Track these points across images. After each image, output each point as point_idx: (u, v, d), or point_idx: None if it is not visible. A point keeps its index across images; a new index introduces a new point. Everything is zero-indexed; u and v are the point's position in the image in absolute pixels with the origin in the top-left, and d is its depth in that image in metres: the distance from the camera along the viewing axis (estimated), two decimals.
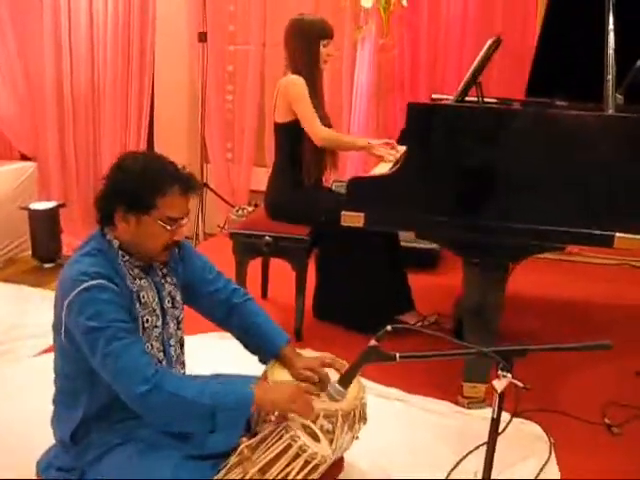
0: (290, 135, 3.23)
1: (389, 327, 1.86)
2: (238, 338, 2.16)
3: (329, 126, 3.27)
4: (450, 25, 4.35)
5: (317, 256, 3.44)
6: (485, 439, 2.37)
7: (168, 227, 1.86)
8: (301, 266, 3.14)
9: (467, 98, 3.31)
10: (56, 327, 1.92)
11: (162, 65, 4.78)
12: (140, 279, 1.93)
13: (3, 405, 2.60)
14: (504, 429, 1.96)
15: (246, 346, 2.16)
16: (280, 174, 3.32)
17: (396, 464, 2.32)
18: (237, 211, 4.69)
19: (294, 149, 3.23)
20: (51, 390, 2.06)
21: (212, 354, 2.83)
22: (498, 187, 2.38)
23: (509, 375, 1.84)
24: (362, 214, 2.47)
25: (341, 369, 2.04)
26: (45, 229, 4.25)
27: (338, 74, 4.47)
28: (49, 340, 3.16)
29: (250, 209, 4.73)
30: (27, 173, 4.51)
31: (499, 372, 1.84)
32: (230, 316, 2.14)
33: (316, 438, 1.85)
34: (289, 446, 1.79)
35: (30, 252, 4.32)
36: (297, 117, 3.19)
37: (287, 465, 1.78)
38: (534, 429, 2.53)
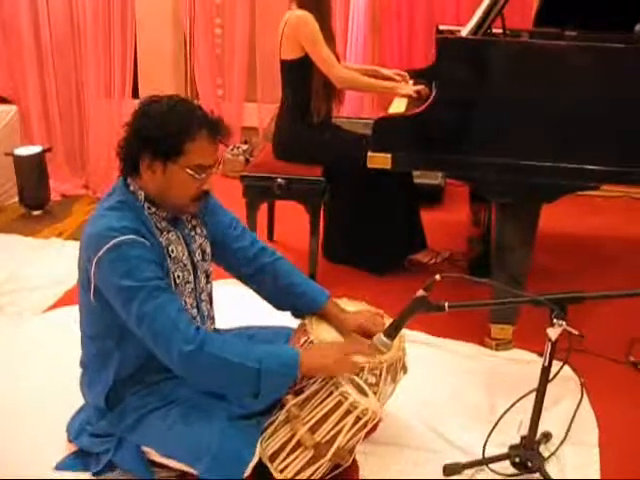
0: (299, 72, 3.09)
1: (437, 276, 1.80)
2: (266, 296, 2.09)
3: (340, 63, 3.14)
4: None
5: (327, 196, 3.33)
6: (517, 380, 2.40)
7: (197, 176, 1.75)
8: (316, 208, 3.04)
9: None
10: (83, 285, 1.82)
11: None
12: (168, 232, 1.84)
13: (20, 367, 2.50)
14: (554, 376, 1.94)
15: (277, 304, 2.08)
16: (289, 112, 3.18)
17: (435, 412, 2.30)
18: (232, 150, 4.54)
19: (303, 86, 3.09)
20: (68, 348, 1.98)
21: (224, 303, 2.75)
22: (533, 125, 2.29)
23: (564, 323, 1.81)
24: (389, 155, 2.37)
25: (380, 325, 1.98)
26: (32, 175, 4.06)
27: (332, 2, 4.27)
28: (54, 291, 3.12)
29: (245, 147, 4.58)
30: (8, 117, 4.29)
31: (554, 320, 1.81)
32: (259, 275, 2.05)
33: (364, 393, 1.80)
34: (340, 403, 1.74)
35: (17, 199, 4.14)
36: (305, 53, 3.04)
37: (338, 422, 1.74)
38: (564, 370, 2.52)
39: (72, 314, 2.75)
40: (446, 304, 1.80)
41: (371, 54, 4.42)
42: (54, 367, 2.43)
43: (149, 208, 1.80)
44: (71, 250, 3.65)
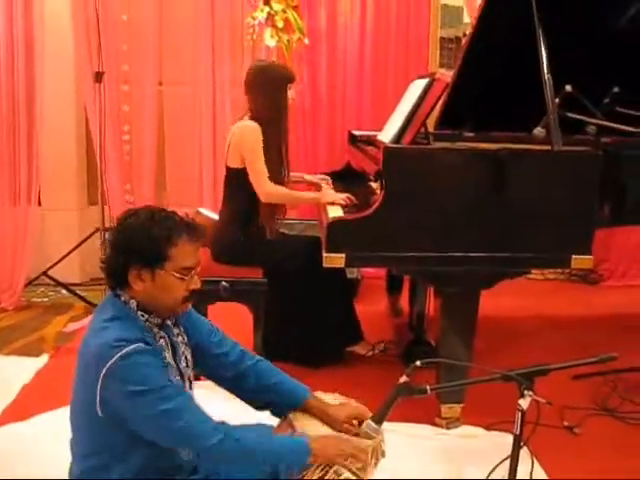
0: (243, 180, 3.22)
1: (418, 362, 1.96)
2: (247, 398, 2.14)
3: (284, 178, 3.30)
4: (347, 64, 4.60)
5: None
6: (474, 454, 2.58)
7: (184, 278, 1.85)
8: (259, 308, 3.15)
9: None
10: (85, 399, 1.83)
11: (53, 108, 4.54)
12: (160, 338, 1.91)
13: None
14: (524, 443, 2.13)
15: (257, 405, 2.14)
16: (232, 218, 3.30)
17: None
18: None
19: (247, 193, 3.23)
20: None
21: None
22: (472, 221, 2.59)
23: (532, 393, 2.02)
24: (343, 255, 2.57)
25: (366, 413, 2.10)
26: None
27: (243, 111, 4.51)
28: None
29: None
30: None
31: (524, 392, 2.02)
32: (240, 378, 2.11)
33: (358, 477, 1.92)
34: None
35: None
36: None
37: None
38: (507, 440, 2.73)
39: None
40: (428, 387, 1.98)
41: None
42: None
43: (142, 316, 1.86)
44: None
